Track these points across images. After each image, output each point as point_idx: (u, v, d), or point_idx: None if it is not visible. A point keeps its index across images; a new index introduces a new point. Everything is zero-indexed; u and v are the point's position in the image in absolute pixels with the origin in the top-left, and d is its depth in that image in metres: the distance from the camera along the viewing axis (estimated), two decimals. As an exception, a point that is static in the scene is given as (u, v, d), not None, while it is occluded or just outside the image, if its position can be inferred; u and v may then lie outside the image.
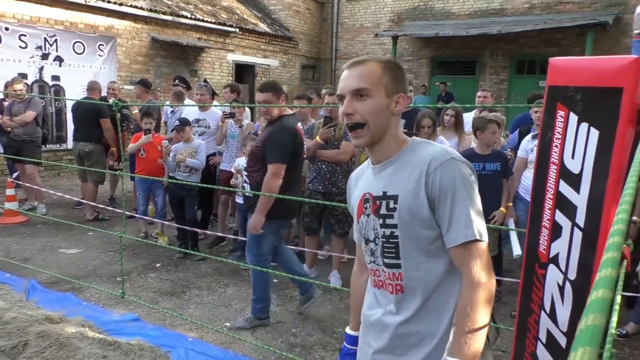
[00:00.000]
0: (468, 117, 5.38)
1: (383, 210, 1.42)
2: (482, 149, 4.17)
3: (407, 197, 1.37)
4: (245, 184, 3.76)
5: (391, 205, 1.40)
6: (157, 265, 5.05)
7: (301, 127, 4.07)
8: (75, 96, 8.91)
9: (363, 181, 1.54)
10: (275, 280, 4.68)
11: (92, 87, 6.74)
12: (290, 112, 3.78)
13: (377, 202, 1.44)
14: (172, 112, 6.35)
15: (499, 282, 4.32)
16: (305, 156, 4.48)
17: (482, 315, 1.29)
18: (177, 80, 7.00)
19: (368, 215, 1.48)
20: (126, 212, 4.16)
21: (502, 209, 4.18)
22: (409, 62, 14.77)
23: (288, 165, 3.51)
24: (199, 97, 5.69)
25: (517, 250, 3.91)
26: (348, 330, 1.71)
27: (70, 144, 8.30)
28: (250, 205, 3.73)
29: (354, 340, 1.66)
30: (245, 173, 3.75)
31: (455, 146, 4.73)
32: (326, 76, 16.71)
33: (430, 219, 1.35)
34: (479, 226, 1.32)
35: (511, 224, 4.28)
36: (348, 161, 4.56)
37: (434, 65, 14.79)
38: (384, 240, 1.43)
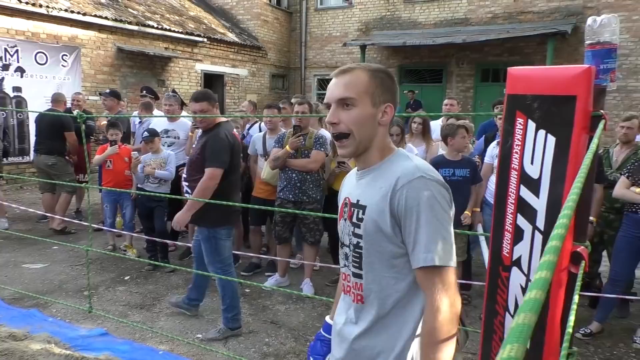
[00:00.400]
0: (435, 125, 5.49)
1: (354, 219, 1.42)
2: (452, 155, 4.25)
3: (373, 210, 1.36)
4: (187, 194, 3.76)
5: (360, 215, 1.40)
6: (126, 278, 4.95)
7: (237, 134, 4.11)
8: (39, 107, 8.70)
9: (348, 185, 1.54)
10: (247, 290, 4.66)
11: (57, 98, 6.60)
12: (225, 119, 3.84)
13: (352, 209, 1.44)
14: (140, 122, 6.26)
15: (468, 286, 4.41)
16: (274, 165, 4.50)
17: (444, 341, 1.26)
18: (144, 91, 6.91)
19: (345, 220, 1.48)
20: (92, 225, 4.07)
21: (466, 212, 4.26)
22: (377, 70, 14.92)
23: (227, 171, 3.56)
24: (167, 108, 5.63)
25: (487, 260, 4.00)
26: (327, 318, 1.71)
27: (32, 156, 8.08)
28: (197, 217, 3.65)
29: (330, 329, 1.66)
30: (186, 183, 3.74)
31: (423, 153, 4.81)
32: (296, 85, 16.77)
33: (394, 236, 1.33)
34: (442, 251, 1.27)
35: (479, 229, 4.38)
36: (319, 170, 4.59)
37: (402, 73, 15.01)
38: (352, 248, 1.44)
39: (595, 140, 1.25)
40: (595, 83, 1.38)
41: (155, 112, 6.46)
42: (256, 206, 3.82)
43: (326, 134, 4.77)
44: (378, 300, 1.39)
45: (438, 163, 4.17)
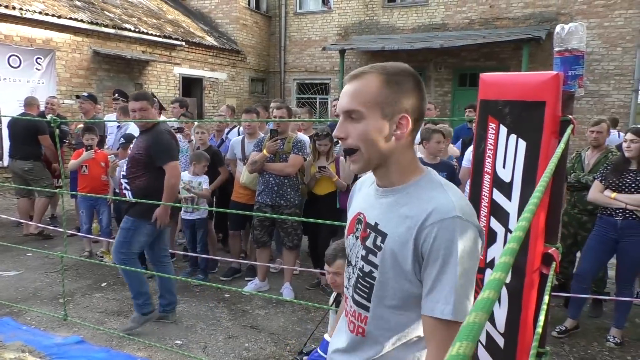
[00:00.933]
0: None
1: (369, 243, 1.24)
2: (429, 158, 4.32)
3: (394, 241, 1.18)
4: (125, 191, 3.83)
5: (378, 242, 1.22)
6: (103, 284, 4.88)
7: (175, 133, 4.31)
8: (12, 112, 8.52)
9: (364, 196, 1.35)
10: (227, 295, 4.63)
11: (29, 102, 6.49)
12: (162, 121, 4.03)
13: (368, 230, 1.26)
14: (118, 127, 6.19)
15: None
16: (252, 169, 4.50)
17: None
18: (117, 94, 6.81)
19: (357, 239, 1.30)
20: (67, 231, 4.01)
21: None
22: (357, 75, 15.04)
23: (162, 168, 3.72)
24: (145, 112, 5.58)
25: None
26: (326, 336, 1.61)
27: (6, 161, 7.92)
28: (133, 209, 3.77)
29: (327, 349, 1.52)
30: (125, 180, 3.82)
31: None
32: (275, 89, 16.76)
33: (412, 273, 1.16)
34: (461, 305, 1.10)
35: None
36: (297, 174, 4.59)
37: (381, 78, 15.11)
38: (361, 274, 1.26)
39: (562, 145, 1.29)
40: (564, 89, 1.42)
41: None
42: (234, 211, 3.82)
43: (305, 138, 4.78)
44: (381, 338, 1.25)
45: None
